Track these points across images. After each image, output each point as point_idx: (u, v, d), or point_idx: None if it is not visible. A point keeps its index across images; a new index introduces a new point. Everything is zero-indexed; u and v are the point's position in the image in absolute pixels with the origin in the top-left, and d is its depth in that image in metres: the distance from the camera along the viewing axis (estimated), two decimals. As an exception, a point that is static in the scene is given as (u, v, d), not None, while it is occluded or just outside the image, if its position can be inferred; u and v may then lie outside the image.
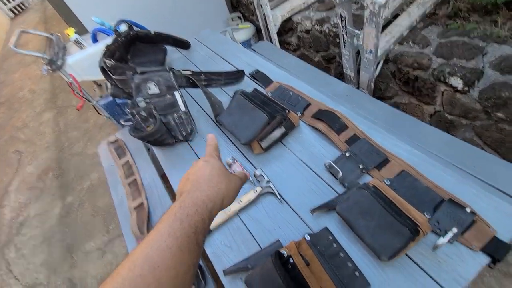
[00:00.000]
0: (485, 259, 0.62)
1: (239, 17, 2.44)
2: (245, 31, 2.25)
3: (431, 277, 0.63)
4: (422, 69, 1.34)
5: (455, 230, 0.62)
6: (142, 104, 1.05)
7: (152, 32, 1.38)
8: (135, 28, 1.38)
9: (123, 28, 1.33)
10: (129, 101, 1.10)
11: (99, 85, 2.01)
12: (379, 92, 1.70)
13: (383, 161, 0.82)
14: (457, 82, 1.21)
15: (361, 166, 0.82)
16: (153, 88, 1.06)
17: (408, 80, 1.44)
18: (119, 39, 1.22)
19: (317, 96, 1.11)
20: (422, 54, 1.35)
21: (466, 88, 1.20)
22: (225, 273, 0.72)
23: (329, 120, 0.95)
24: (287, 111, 0.97)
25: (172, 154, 1.11)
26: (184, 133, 1.10)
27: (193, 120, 1.15)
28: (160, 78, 1.06)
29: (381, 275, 0.65)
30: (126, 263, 0.33)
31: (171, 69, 1.08)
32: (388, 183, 0.76)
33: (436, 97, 1.37)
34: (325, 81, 1.64)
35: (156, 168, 1.59)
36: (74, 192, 2.14)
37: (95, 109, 1.91)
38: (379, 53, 1.41)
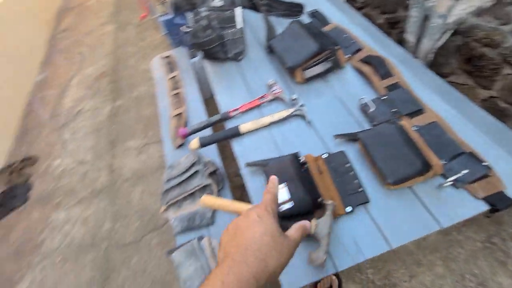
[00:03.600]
0: (484, 207, 0.67)
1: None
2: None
3: (427, 209, 0.69)
4: (491, 46, 1.25)
5: (465, 171, 0.67)
6: (205, 13, 1.13)
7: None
8: None
9: None
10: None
11: (163, 2, 2.10)
12: (434, 68, 1.61)
13: (417, 111, 0.85)
14: (527, 66, 1.13)
15: (393, 110, 0.85)
16: (216, 1, 1.12)
17: (471, 57, 1.35)
18: None
19: (371, 44, 1.11)
20: (497, 30, 1.24)
21: (534, 75, 1.12)
22: (247, 164, 0.85)
23: (377, 64, 0.96)
24: (337, 47, 0.99)
25: (221, 69, 1.21)
26: (235, 51, 1.18)
27: (245, 43, 1.21)
28: (226, -8, 1.11)
29: (381, 198, 0.73)
30: None
31: (238, -14, 1.12)
32: (415, 129, 0.80)
33: (496, 81, 1.29)
34: (382, 42, 1.58)
35: (199, 86, 1.73)
36: (124, 98, 2.39)
37: (156, 24, 2.03)
38: (449, 20, 1.31)
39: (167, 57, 1.89)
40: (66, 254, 1.60)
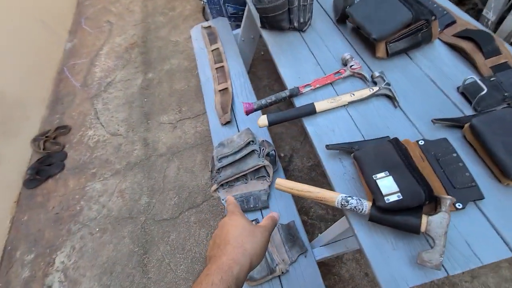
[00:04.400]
0: None
1: None
2: None
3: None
4: None
5: None
6: (272, -26, 0.99)
7: None
8: None
9: None
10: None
11: (202, -33, 1.93)
12: None
13: (535, 97, 0.72)
14: None
15: (506, 94, 0.73)
16: (288, -41, 0.98)
17: None
18: None
19: (464, 16, 0.96)
20: None
21: None
22: (328, 147, 0.75)
23: (480, 39, 0.82)
24: (434, 17, 0.85)
25: (283, 40, 1.09)
26: (301, 20, 1.05)
27: (312, 11, 1.08)
28: None
29: (498, 196, 0.62)
30: None
31: None
32: (536, 117, 0.68)
33: None
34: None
35: (244, 61, 1.61)
36: (155, 71, 2.30)
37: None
38: (552, -7, 1.13)
39: (208, 27, 1.76)
40: (104, 225, 1.60)
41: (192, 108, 1.99)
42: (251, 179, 1.10)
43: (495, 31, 1.37)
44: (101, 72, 2.43)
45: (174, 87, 2.15)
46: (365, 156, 0.66)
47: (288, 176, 1.56)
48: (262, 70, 2.08)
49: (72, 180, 1.83)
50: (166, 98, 2.10)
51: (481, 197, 0.62)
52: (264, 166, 1.07)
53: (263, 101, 0.90)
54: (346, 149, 0.74)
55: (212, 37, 1.71)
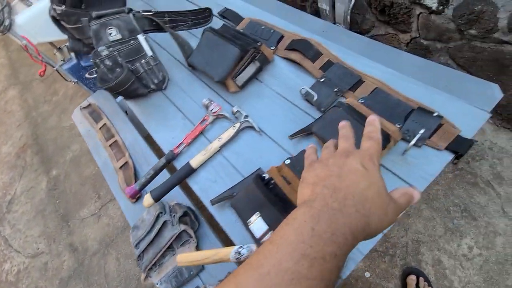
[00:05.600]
0: (449, 156, 0.67)
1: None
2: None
3: (400, 178, 0.68)
4: (397, -8, 1.29)
5: (422, 131, 0.66)
6: (105, 52, 0.98)
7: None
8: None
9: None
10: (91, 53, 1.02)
11: (60, 48, 1.84)
12: (356, 27, 1.65)
13: (357, 82, 0.82)
14: (432, 2, 1.18)
15: (335, 89, 0.82)
16: (114, 34, 0.98)
17: (384, 8, 1.39)
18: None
19: (291, 28, 1.07)
20: (396, -24, 1.29)
21: (440, 8, 1.18)
22: (212, 202, 0.75)
23: (303, 48, 0.92)
24: (259, 43, 0.93)
25: (148, 105, 1.08)
26: (156, 81, 1.06)
27: (164, 68, 1.09)
28: (120, 22, 0.97)
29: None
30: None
31: (130, 10, 0.99)
32: (362, 101, 0.77)
33: (411, 23, 1.35)
34: (300, 18, 1.55)
35: (135, 127, 1.56)
36: (58, 165, 2.10)
37: (60, 75, 1.78)
38: (352, -20, 1.33)
39: (87, 106, 1.67)
40: None
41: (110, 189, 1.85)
42: (177, 248, 1.05)
43: (333, 18, 1.57)
44: (-4, 192, 2.13)
45: (84, 174, 1.98)
46: (238, 203, 0.67)
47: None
48: (167, 119, 2.05)
49: (2, 332, 1.55)
50: (79, 190, 1.92)
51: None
52: (183, 231, 1.04)
53: (143, 179, 0.88)
54: (229, 197, 0.75)
55: (94, 114, 1.63)
